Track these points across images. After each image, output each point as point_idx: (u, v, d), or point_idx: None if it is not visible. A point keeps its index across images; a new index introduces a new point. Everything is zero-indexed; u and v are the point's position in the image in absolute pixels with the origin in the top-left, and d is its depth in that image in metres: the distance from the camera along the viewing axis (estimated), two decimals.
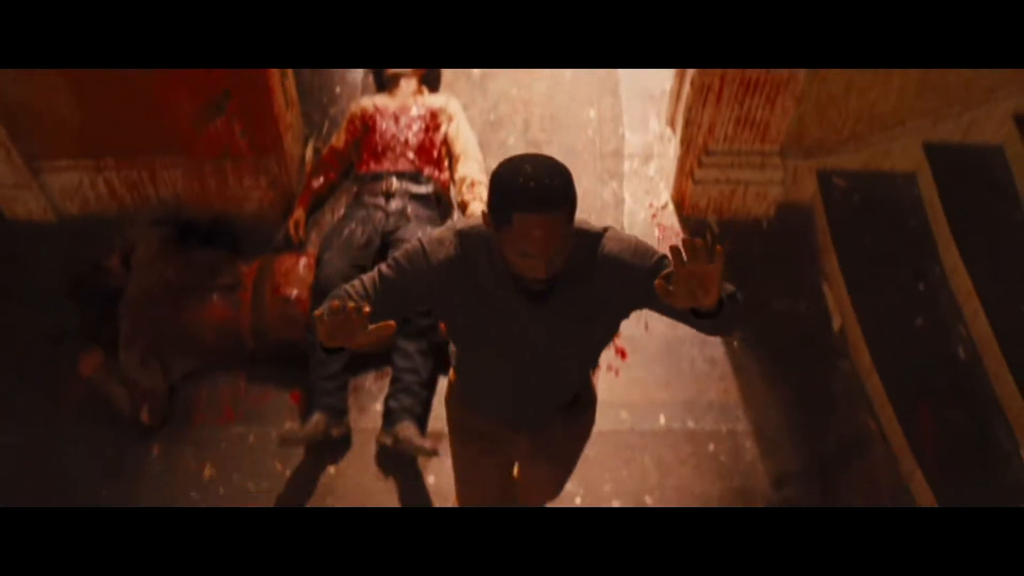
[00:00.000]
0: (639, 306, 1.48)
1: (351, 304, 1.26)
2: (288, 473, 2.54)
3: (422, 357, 2.52)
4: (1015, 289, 2.57)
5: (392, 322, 1.31)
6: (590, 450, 2.15)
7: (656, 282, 1.24)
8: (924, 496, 2.40)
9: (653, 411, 2.62)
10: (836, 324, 2.77)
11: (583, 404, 1.79)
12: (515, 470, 2.09)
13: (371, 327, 1.28)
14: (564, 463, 1.98)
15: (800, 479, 2.56)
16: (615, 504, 2.48)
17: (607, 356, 2.68)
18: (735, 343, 2.73)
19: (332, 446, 2.53)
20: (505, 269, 1.39)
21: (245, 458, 2.59)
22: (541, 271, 1.34)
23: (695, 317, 1.34)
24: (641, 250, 1.43)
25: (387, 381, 2.59)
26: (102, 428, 2.68)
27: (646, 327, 2.72)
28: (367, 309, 1.27)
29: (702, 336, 2.78)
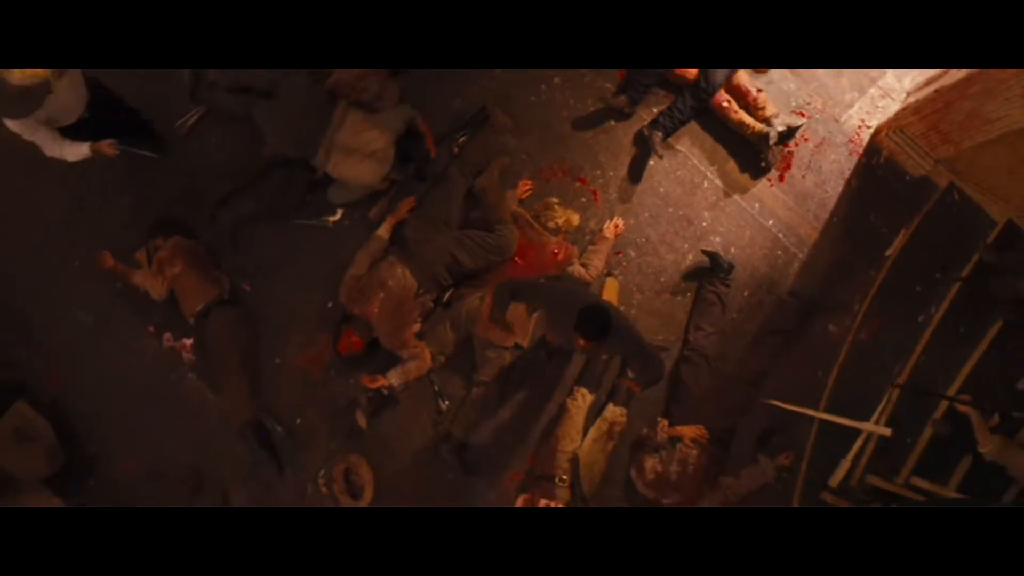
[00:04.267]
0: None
1: None
2: (588, 110, 4.45)
3: (691, 110, 4.26)
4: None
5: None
6: (725, 206, 4.10)
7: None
8: (842, 348, 4.24)
9: (769, 216, 4.40)
10: (889, 252, 4.40)
11: None
12: None
13: None
14: None
15: (800, 300, 4.32)
16: (715, 239, 4.43)
17: (772, 172, 4.41)
18: (834, 219, 4.47)
19: (618, 113, 4.39)
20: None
21: (577, 89, 4.46)
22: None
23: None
24: (633, 341, 3.34)
25: (668, 101, 4.37)
26: None
27: (803, 176, 4.43)
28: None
29: (824, 201, 4.53)
